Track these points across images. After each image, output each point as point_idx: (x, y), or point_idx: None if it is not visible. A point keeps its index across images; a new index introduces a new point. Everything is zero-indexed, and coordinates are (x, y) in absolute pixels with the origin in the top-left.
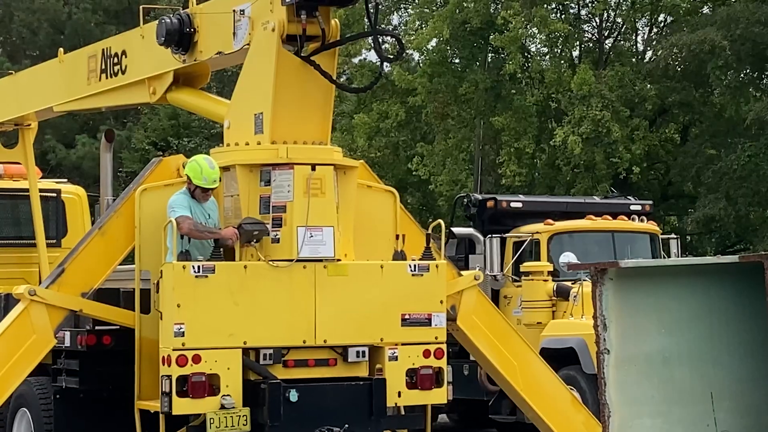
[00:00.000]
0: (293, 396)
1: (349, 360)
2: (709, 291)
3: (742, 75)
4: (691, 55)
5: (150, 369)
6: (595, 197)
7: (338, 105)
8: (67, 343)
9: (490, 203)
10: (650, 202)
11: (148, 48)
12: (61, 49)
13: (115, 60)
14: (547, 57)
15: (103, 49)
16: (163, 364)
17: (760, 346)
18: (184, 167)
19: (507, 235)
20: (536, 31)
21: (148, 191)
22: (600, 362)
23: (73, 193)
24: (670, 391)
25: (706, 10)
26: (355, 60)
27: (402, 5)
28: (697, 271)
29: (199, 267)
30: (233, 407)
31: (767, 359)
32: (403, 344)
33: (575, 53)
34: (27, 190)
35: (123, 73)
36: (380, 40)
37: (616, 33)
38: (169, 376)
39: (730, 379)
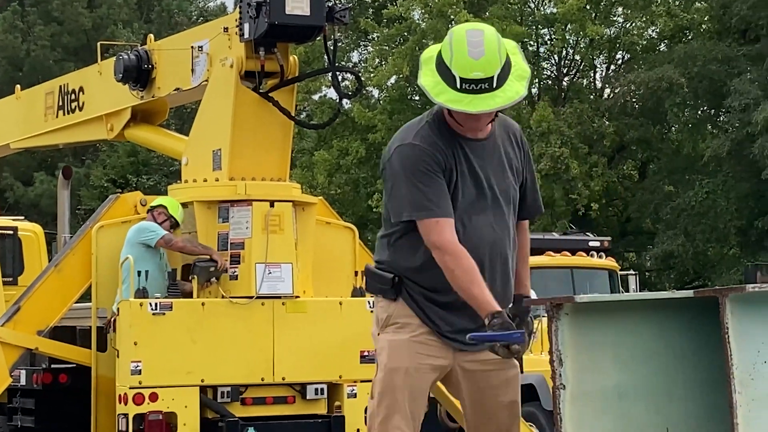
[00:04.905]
0: None
1: (308, 397)
2: (664, 326)
3: (699, 112)
4: (649, 92)
5: (107, 407)
6: (554, 233)
7: (299, 142)
8: (23, 381)
9: None
10: (609, 238)
11: (105, 84)
12: (18, 86)
13: (73, 96)
14: None
15: (60, 86)
16: (120, 403)
17: (715, 381)
18: (142, 204)
19: None
20: None
21: (105, 228)
22: (556, 398)
23: (30, 231)
24: (626, 427)
25: (663, 47)
26: (316, 97)
27: (362, 42)
28: (652, 305)
29: (156, 304)
30: None
31: (722, 394)
32: (362, 381)
33: (534, 90)
34: None
35: (80, 109)
36: (339, 76)
37: (575, 71)
38: (126, 415)
39: (685, 414)
